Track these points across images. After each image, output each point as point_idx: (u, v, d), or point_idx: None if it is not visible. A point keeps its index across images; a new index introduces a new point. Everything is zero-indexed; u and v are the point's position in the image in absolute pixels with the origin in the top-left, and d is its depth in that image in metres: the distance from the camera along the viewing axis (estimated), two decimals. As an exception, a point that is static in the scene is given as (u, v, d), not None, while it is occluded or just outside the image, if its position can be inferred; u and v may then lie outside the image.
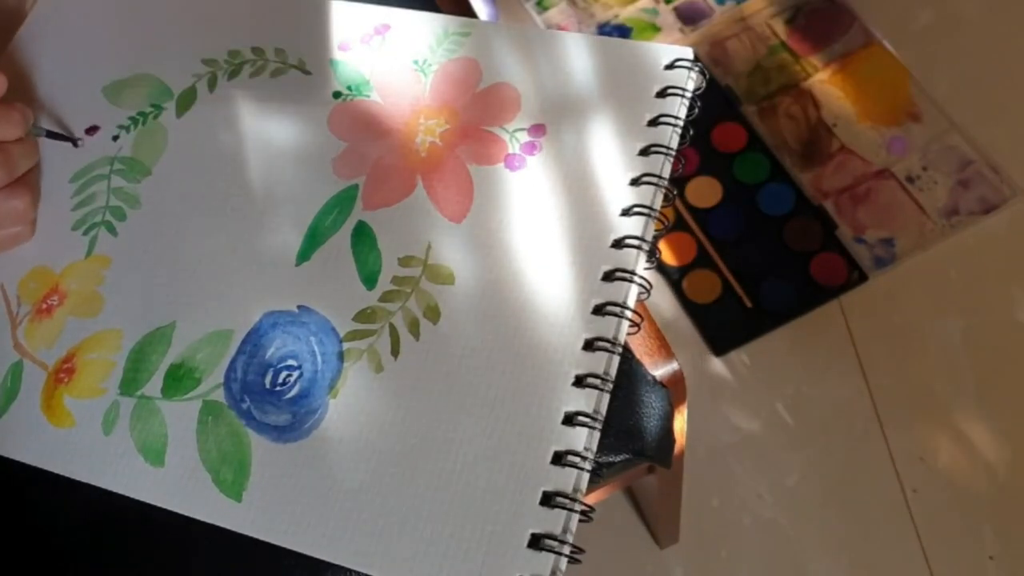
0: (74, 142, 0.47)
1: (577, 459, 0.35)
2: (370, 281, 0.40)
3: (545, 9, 1.19)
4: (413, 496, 0.35)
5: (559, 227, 0.40)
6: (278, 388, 0.39)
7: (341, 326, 0.39)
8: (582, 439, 0.35)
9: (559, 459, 0.35)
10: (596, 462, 0.35)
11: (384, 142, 0.44)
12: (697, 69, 0.42)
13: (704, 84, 0.43)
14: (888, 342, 0.93)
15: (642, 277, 0.38)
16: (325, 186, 0.43)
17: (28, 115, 0.45)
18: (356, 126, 0.45)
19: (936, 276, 0.96)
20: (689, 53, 0.42)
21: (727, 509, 0.87)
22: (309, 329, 0.40)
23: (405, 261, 0.40)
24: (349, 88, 0.46)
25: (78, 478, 0.39)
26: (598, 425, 0.35)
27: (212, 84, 0.47)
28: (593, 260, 0.38)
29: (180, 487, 0.38)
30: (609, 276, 0.38)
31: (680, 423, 0.50)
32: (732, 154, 1.05)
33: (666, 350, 0.47)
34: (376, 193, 0.42)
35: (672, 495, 0.70)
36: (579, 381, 0.36)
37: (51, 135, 0.47)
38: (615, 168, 0.40)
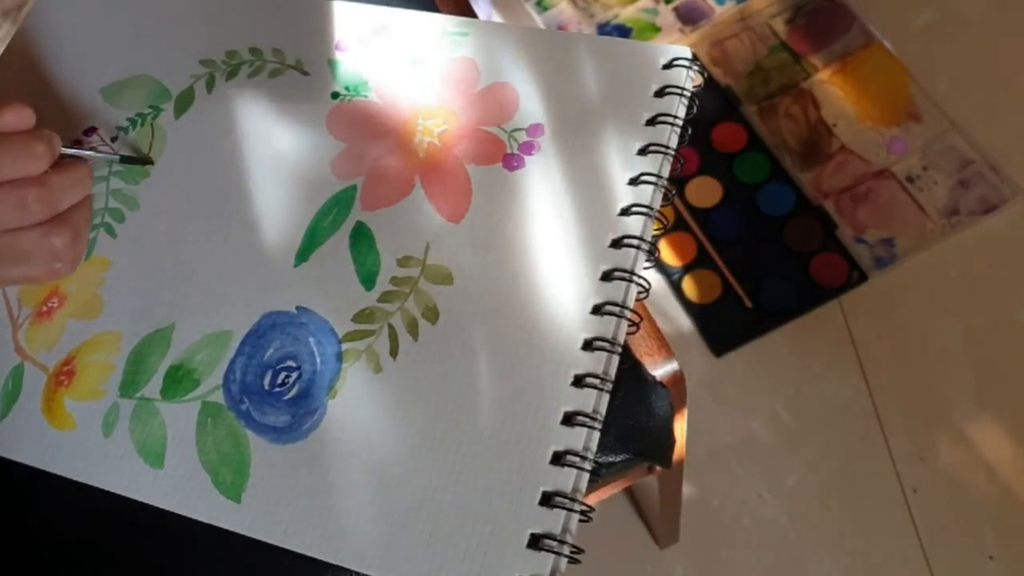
0: (150, 162, 0.46)
1: (576, 459, 0.35)
2: (368, 282, 0.40)
3: (545, 9, 1.19)
4: (412, 496, 0.35)
5: (558, 227, 0.40)
6: (277, 389, 0.39)
7: (340, 327, 0.39)
8: (581, 439, 0.35)
9: (558, 459, 0.35)
10: (596, 462, 0.35)
11: (382, 142, 0.44)
12: (696, 68, 0.42)
13: (702, 83, 0.43)
14: (888, 342, 0.93)
15: (641, 277, 0.38)
16: (323, 187, 0.43)
17: (55, 144, 0.41)
18: (354, 126, 0.45)
19: (936, 276, 0.95)
20: (687, 52, 0.42)
21: (727, 509, 0.87)
22: (308, 330, 0.40)
23: (403, 261, 0.40)
24: (347, 88, 0.46)
25: (78, 479, 0.39)
26: (597, 425, 0.35)
27: (210, 85, 0.47)
28: (592, 260, 0.38)
29: (180, 488, 0.38)
30: (608, 276, 0.38)
31: (680, 423, 0.50)
32: (732, 154, 1.05)
33: (666, 350, 0.47)
34: (374, 193, 0.42)
35: (672, 495, 0.70)
36: (578, 381, 0.36)
37: (126, 160, 0.45)
38: (614, 168, 0.40)
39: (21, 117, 0.40)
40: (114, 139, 0.47)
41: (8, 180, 0.39)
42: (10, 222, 0.39)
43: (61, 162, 0.41)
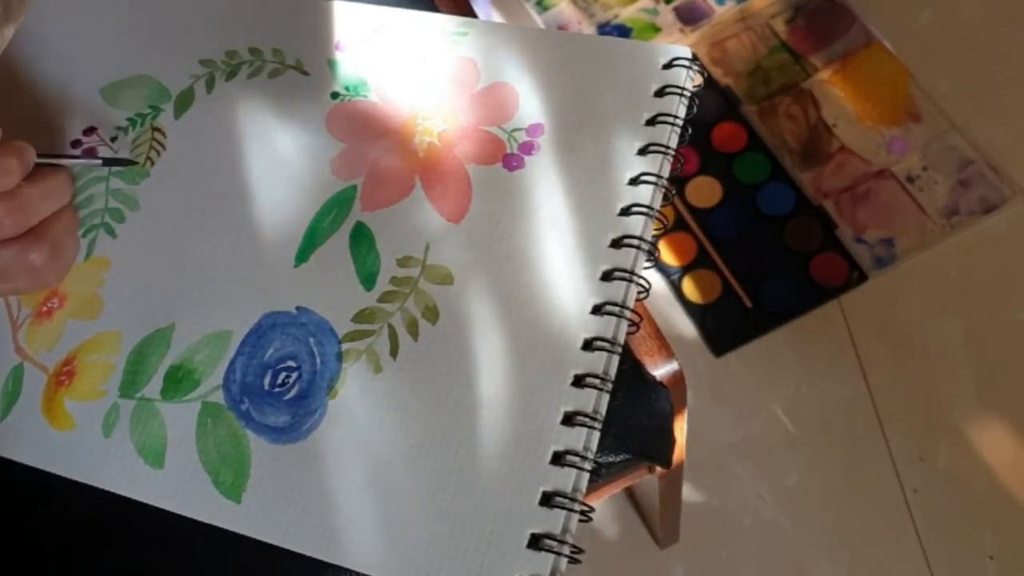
0: (133, 163, 0.46)
1: (576, 459, 0.35)
2: (368, 282, 0.40)
3: (545, 9, 1.19)
4: (412, 496, 0.35)
5: (558, 227, 0.39)
6: (277, 389, 0.39)
7: (340, 327, 0.39)
8: (581, 439, 0.35)
9: (558, 459, 0.35)
10: (596, 462, 0.35)
11: (382, 142, 0.44)
12: (696, 68, 0.42)
13: (702, 83, 0.43)
14: (888, 342, 0.93)
15: (641, 277, 0.38)
16: (323, 187, 0.43)
17: (28, 156, 0.39)
18: (354, 126, 0.45)
19: (936, 276, 0.96)
20: (687, 52, 0.42)
21: (727, 509, 0.87)
22: (308, 330, 0.40)
23: (403, 261, 0.40)
24: (347, 88, 0.46)
25: (78, 479, 0.39)
26: (597, 425, 0.35)
27: (210, 85, 0.47)
28: (592, 260, 0.38)
29: (180, 488, 0.38)
30: (608, 276, 0.38)
31: (680, 423, 0.50)
32: (732, 154, 1.05)
33: (666, 350, 0.47)
34: (374, 194, 0.42)
35: (672, 495, 0.70)
36: (578, 381, 0.36)
37: (108, 162, 0.45)
38: (613, 167, 0.40)
39: None
40: (114, 139, 0.47)
41: None
42: None
43: (37, 171, 0.40)
